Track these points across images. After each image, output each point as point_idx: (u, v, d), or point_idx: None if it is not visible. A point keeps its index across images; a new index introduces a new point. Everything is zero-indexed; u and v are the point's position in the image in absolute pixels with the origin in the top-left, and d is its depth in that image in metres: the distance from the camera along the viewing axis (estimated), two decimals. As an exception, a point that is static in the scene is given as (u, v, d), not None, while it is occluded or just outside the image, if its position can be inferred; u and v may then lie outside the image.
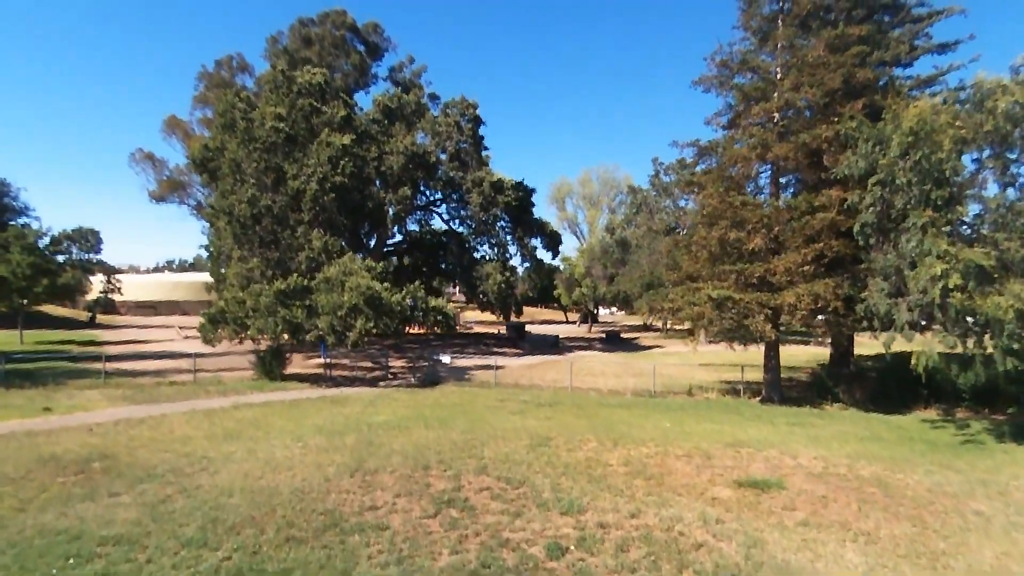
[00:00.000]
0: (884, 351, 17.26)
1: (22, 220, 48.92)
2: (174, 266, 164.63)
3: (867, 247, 17.47)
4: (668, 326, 23.88)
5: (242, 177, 30.78)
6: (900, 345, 16.93)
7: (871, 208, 16.50)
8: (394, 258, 44.68)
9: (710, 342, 22.53)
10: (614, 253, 61.01)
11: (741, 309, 19.36)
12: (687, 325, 22.07)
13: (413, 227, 44.87)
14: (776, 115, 21.47)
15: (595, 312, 74.64)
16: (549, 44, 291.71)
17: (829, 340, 21.14)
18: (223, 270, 33.93)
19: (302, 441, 13.36)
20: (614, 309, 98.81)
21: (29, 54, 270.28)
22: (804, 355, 35.24)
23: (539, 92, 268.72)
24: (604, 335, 55.74)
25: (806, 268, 18.87)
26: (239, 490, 9.76)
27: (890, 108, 16.84)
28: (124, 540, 7.70)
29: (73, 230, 68.36)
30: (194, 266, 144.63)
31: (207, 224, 42.28)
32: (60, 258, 45.23)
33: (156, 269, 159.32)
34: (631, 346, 48.17)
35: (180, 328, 54.24)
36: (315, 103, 32.08)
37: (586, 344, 49.77)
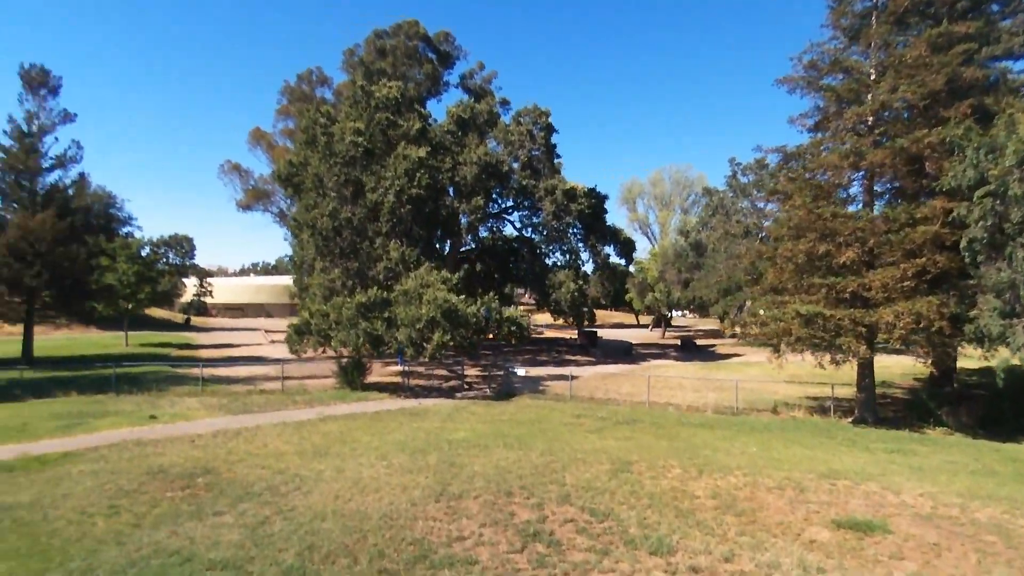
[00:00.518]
0: (997, 373, 15.89)
1: (126, 229, 52.67)
2: (258, 268, 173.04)
3: (976, 263, 16.14)
4: (748, 334, 22.90)
5: (324, 191, 32.05)
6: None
7: (980, 222, 15.24)
8: (466, 265, 45.24)
9: (793, 351, 21.51)
10: (688, 257, 59.37)
11: (832, 326, 18.34)
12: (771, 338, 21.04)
13: (484, 234, 45.23)
14: (870, 119, 20.24)
15: (668, 317, 72.92)
16: (618, 44, 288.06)
17: (931, 360, 19.67)
18: (306, 279, 35.45)
19: (386, 460, 13.68)
20: (687, 312, 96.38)
21: (128, 72, 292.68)
22: (898, 368, 33.11)
23: (607, 91, 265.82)
24: (679, 342, 54.40)
25: (906, 284, 17.62)
26: (331, 513, 10.08)
27: (1003, 112, 15.50)
28: (230, 565, 8.08)
29: (170, 236, 73.25)
30: (276, 269, 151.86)
31: (289, 231, 44.29)
32: (158, 264, 48.45)
33: (242, 271, 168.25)
34: (708, 354, 46.76)
35: (266, 331, 57.04)
36: (391, 116, 32.96)
37: (660, 351, 48.71)
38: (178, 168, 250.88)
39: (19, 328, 34.51)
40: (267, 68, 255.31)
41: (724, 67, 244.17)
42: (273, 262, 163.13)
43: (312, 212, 32.44)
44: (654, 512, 10.42)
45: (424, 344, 23.98)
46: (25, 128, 32.67)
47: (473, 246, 45.72)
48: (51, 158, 33.74)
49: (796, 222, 19.85)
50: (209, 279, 79.97)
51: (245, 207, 67.90)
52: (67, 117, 33.59)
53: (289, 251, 52.17)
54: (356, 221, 31.96)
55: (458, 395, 25.24)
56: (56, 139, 34.61)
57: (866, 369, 20.80)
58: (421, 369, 31.93)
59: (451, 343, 24.47)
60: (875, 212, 20.44)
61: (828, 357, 19.64)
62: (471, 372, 32.88)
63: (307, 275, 35.69)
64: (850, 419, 20.89)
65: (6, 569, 7.93)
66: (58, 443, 15.08)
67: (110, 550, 8.48)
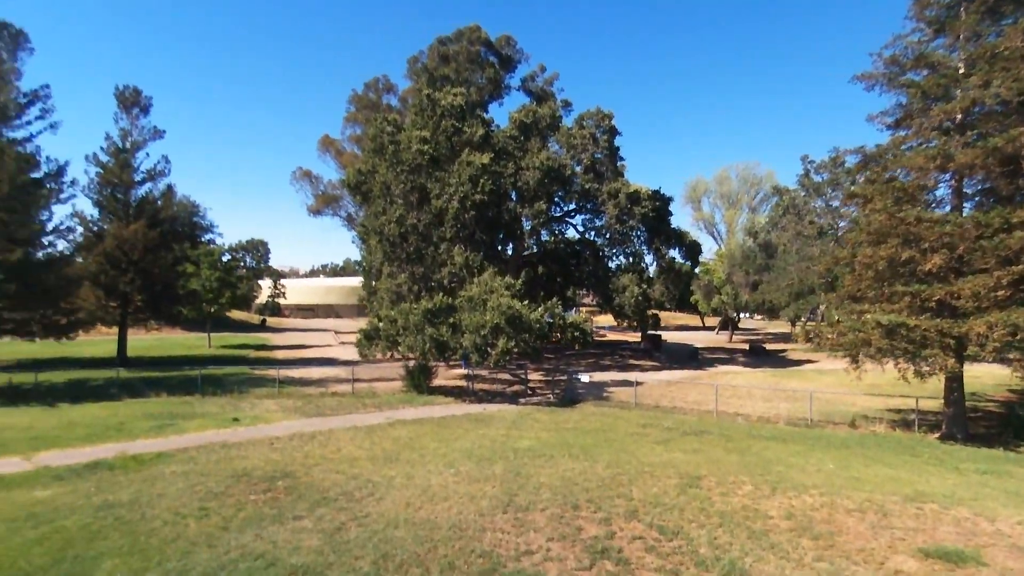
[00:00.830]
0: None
1: (208, 236, 55.78)
2: (327, 269, 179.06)
3: (1082, 270, 14.91)
4: (824, 343, 21.78)
5: (391, 198, 32.95)
6: None
7: (1088, 226, 14.06)
8: (528, 268, 45.34)
9: (873, 362, 20.47)
10: (757, 258, 57.50)
11: (917, 337, 17.34)
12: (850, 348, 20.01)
13: (546, 237, 45.20)
14: (959, 116, 19.01)
15: (736, 319, 70.67)
16: (682, 42, 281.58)
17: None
18: (374, 283, 36.56)
19: (453, 467, 13.96)
20: (755, 315, 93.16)
21: (207, 84, 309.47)
22: (990, 378, 31.05)
23: (671, 90, 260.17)
24: (747, 346, 52.66)
25: (1000, 293, 16.43)
26: (403, 522, 10.38)
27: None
28: (311, 570, 8.47)
29: (247, 241, 76.94)
30: (344, 270, 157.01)
31: (357, 235, 45.67)
32: (237, 269, 51.07)
33: (312, 272, 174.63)
34: (778, 360, 45.06)
35: (336, 333, 59.05)
36: (456, 124, 33.48)
37: (727, 356, 47.32)
38: (252, 173, 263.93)
39: (114, 330, 37.17)
40: (336, 78, 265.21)
41: (792, 63, 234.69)
42: (341, 263, 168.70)
43: (380, 219, 33.40)
44: (725, 532, 10.19)
45: (489, 350, 24.27)
46: (120, 144, 35.18)
47: (535, 249, 45.84)
48: (143, 172, 36.22)
49: (876, 227, 18.86)
50: (282, 281, 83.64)
51: (315, 212, 70.42)
52: (157, 133, 35.97)
53: (356, 254, 53.76)
54: (422, 227, 32.67)
55: (522, 400, 25.42)
56: (147, 154, 37.17)
57: (955, 382, 19.54)
58: (485, 373, 32.26)
59: (515, 349, 24.65)
60: (964, 216, 19.18)
61: (912, 370, 18.56)
62: (534, 376, 33.00)
63: (375, 279, 36.80)
64: (937, 435, 19.70)
65: (111, 566, 8.61)
66: (152, 443, 16.20)
67: (202, 552, 9.05)
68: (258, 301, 77.07)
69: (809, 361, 43.20)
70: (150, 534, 9.75)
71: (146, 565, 8.63)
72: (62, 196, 29.05)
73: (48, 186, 28.02)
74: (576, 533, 10.00)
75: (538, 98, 49.14)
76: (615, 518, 10.72)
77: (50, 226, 28.90)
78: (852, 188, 22.83)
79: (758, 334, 73.19)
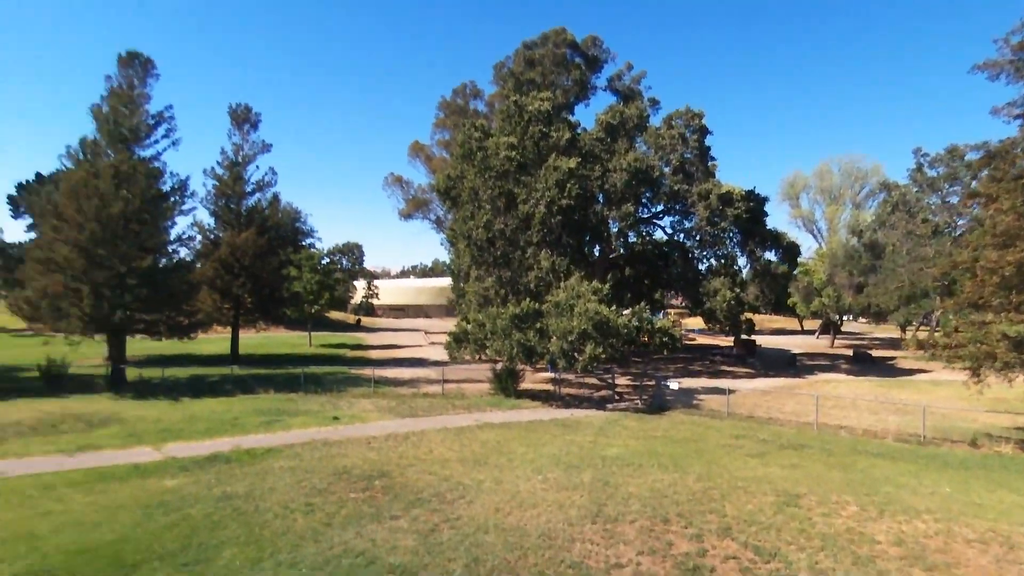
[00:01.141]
0: None
1: (308, 241, 59.08)
2: (416, 270, 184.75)
3: None
4: (940, 355, 20.07)
5: (479, 203, 33.64)
6: None
7: None
8: (615, 270, 44.81)
9: (999, 376, 18.66)
10: (861, 258, 53.84)
11: (1051, 351, 15.74)
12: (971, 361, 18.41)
13: (633, 239, 44.45)
14: (1103, 103, 17.08)
15: (838, 323, 66.37)
16: (776, 34, 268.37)
17: None
18: (463, 286, 37.48)
19: (541, 474, 14.11)
20: (860, 318, 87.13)
21: (306, 97, 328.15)
22: None
23: (765, 83, 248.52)
24: (851, 352, 49.42)
25: None
26: (493, 527, 10.64)
27: None
28: (407, 570, 8.88)
29: (343, 244, 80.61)
30: (433, 271, 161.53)
31: (446, 238, 46.95)
32: (335, 272, 53.83)
33: (402, 273, 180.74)
34: (886, 369, 41.98)
35: (426, 333, 60.98)
36: (543, 129, 33.68)
37: (829, 363, 44.63)
38: (347, 178, 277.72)
39: (228, 330, 40.28)
40: (426, 85, 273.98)
41: (899, 52, 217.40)
42: (430, 264, 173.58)
43: (468, 223, 34.21)
44: (827, 556, 9.72)
45: (576, 356, 24.27)
46: (233, 158, 38.10)
47: (622, 251, 45.26)
48: (252, 183, 39.02)
49: (1003, 228, 17.27)
50: (375, 282, 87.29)
51: (406, 216, 72.93)
52: (265, 147, 38.68)
53: (445, 255, 55.26)
54: (508, 232, 33.15)
55: (609, 406, 25.22)
56: (257, 167, 39.98)
57: (1098, 400, 17.54)
58: (571, 377, 32.22)
59: (603, 355, 24.48)
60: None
61: (1045, 385, 16.86)
62: (621, 381, 32.61)
63: (463, 282, 37.71)
64: (1075, 458, 17.73)
65: (230, 555, 9.40)
66: (262, 438, 17.48)
67: (309, 546, 9.70)
68: (353, 301, 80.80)
69: (922, 371, 39.93)
70: (263, 526, 10.55)
71: (260, 555, 9.36)
72: (184, 208, 31.83)
73: (172, 199, 30.76)
74: (667, 548, 9.87)
75: (625, 97, 48.41)
76: (707, 535, 10.48)
77: (173, 235, 31.75)
78: (974, 186, 21.01)
79: (863, 339, 68.52)
